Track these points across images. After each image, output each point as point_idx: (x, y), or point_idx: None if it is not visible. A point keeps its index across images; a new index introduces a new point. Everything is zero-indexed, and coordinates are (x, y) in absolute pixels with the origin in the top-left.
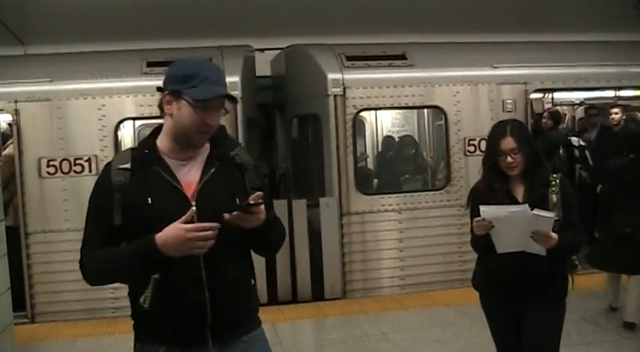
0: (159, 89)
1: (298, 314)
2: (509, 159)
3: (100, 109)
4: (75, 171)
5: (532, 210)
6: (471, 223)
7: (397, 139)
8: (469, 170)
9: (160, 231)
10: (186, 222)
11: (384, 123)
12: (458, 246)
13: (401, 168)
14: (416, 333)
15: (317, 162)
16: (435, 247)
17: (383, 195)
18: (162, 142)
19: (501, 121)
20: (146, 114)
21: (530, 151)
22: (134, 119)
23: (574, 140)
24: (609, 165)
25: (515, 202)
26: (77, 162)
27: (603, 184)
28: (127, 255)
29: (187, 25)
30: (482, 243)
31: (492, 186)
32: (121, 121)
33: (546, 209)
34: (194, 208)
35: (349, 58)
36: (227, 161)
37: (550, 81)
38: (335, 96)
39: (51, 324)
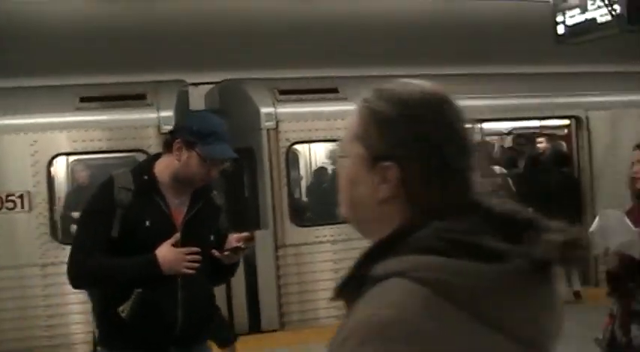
0: (171, 132)
1: (236, 347)
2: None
3: (32, 145)
4: (7, 208)
5: None
6: None
7: (330, 171)
8: None
9: (152, 250)
10: (172, 245)
11: (317, 155)
12: None
13: (335, 199)
14: None
15: (252, 196)
16: None
17: (317, 227)
18: (161, 174)
19: None
20: (80, 150)
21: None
22: (67, 154)
23: (496, 169)
24: (545, 181)
25: None
26: (9, 198)
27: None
28: (131, 267)
29: (121, 60)
30: None
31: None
32: (54, 157)
33: None
34: (178, 234)
35: (282, 92)
36: (208, 201)
37: (478, 112)
38: (268, 130)
39: None
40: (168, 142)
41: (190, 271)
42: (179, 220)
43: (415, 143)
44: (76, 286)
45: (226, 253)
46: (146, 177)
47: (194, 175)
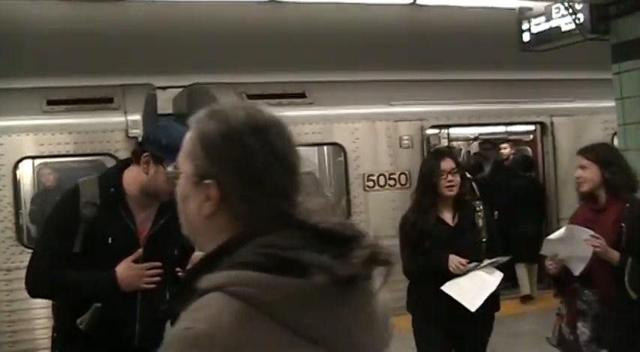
0: (140, 143)
1: None
2: (449, 177)
3: None
4: None
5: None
6: (404, 252)
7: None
8: (369, 205)
9: (114, 266)
10: (134, 261)
11: None
12: None
13: None
14: None
15: None
16: None
17: None
18: (129, 186)
19: (438, 148)
20: (46, 153)
21: (464, 175)
22: (34, 158)
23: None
24: (510, 186)
25: (445, 224)
26: None
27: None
28: (88, 283)
29: (89, 63)
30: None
31: (424, 212)
32: (20, 160)
33: (476, 231)
34: (141, 250)
35: (250, 97)
36: (174, 214)
37: (445, 117)
38: None
39: None
40: (137, 154)
41: (150, 286)
42: (144, 234)
43: (234, 163)
44: (32, 295)
45: (152, 280)
46: (113, 190)
47: (161, 190)
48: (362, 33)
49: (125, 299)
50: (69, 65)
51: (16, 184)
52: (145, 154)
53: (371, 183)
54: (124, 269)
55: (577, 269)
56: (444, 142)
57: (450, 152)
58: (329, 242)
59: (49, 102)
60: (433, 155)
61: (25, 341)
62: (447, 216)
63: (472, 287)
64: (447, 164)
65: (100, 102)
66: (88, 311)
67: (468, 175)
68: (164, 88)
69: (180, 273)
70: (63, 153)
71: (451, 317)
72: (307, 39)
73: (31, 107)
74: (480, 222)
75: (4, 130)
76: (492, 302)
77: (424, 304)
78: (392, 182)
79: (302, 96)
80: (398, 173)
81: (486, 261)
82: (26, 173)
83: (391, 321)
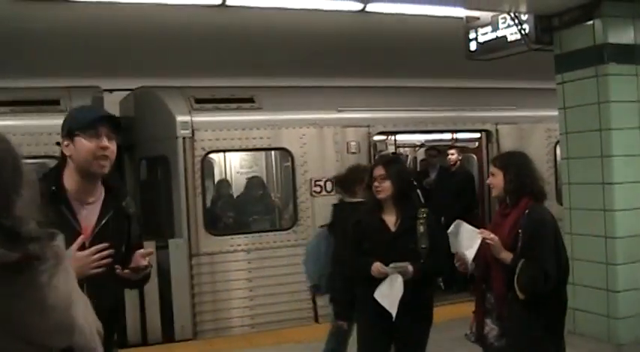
0: (58, 143)
1: None
2: (375, 183)
3: None
4: None
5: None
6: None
7: (245, 180)
8: (315, 210)
9: None
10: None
11: (233, 164)
12: (305, 284)
13: (249, 208)
14: None
15: (166, 204)
16: (283, 286)
17: (232, 236)
18: (67, 182)
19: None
20: None
21: (398, 182)
22: None
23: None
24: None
25: (386, 228)
26: None
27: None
28: None
29: (35, 65)
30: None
31: (369, 213)
32: None
33: (415, 238)
34: (82, 237)
35: (198, 101)
36: (119, 210)
37: (392, 124)
38: (184, 138)
39: None
40: (61, 151)
41: (98, 270)
42: (87, 231)
43: None
44: None
45: (126, 271)
46: (54, 188)
47: (87, 158)
48: (311, 39)
49: None
50: (15, 66)
51: None
52: (63, 142)
53: (318, 189)
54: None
55: (470, 256)
56: (391, 149)
57: (382, 160)
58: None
59: None
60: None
61: None
62: (390, 220)
63: (392, 292)
64: (377, 171)
65: (46, 104)
66: None
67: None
68: (111, 91)
69: (119, 273)
70: None
71: (387, 317)
72: (256, 44)
73: None
74: (421, 229)
75: None
76: (425, 307)
77: (364, 303)
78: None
79: (250, 101)
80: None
81: (391, 265)
82: None
83: (73, 312)
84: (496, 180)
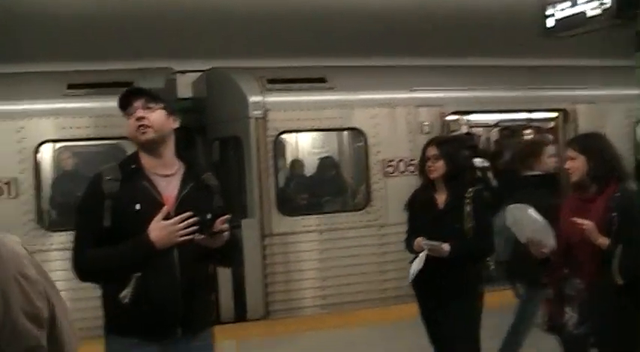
0: None
1: (221, 335)
2: (428, 163)
3: (18, 132)
4: None
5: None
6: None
7: (318, 160)
8: (388, 191)
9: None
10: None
11: (305, 144)
12: (378, 265)
13: (321, 189)
14: None
15: (238, 184)
16: (355, 267)
17: (304, 216)
18: (143, 160)
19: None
20: (67, 137)
21: (450, 162)
22: (54, 141)
23: (477, 161)
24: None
25: (435, 206)
26: None
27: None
28: (125, 251)
29: (109, 47)
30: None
31: (421, 193)
32: (41, 144)
33: (461, 218)
34: (166, 207)
35: (270, 81)
36: (199, 182)
37: (465, 103)
38: (256, 118)
39: None
40: None
41: (186, 238)
42: (170, 202)
43: None
44: (82, 280)
45: (202, 237)
46: (133, 166)
47: (131, 133)
48: (383, 18)
49: (162, 263)
50: (89, 49)
51: (36, 168)
52: None
53: (390, 169)
54: (155, 228)
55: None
56: (464, 129)
57: (437, 140)
58: None
59: (70, 86)
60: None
61: None
62: (440, 198)
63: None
64: (429, 151)
65: (120, 85)
66: (129, 284)
67: (485, 165)
68: (183, 72)
69: (196, 239)
70: (83, 136)
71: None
72: (328, 23)
73: (52, 91)
74: (468, 208)
75: (25, 114)
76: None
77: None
78: (411, 168)
79: (322, 80)
80: (417, 159)
81: (424, 242)
82: (46, 157)
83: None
84: (576, 164)
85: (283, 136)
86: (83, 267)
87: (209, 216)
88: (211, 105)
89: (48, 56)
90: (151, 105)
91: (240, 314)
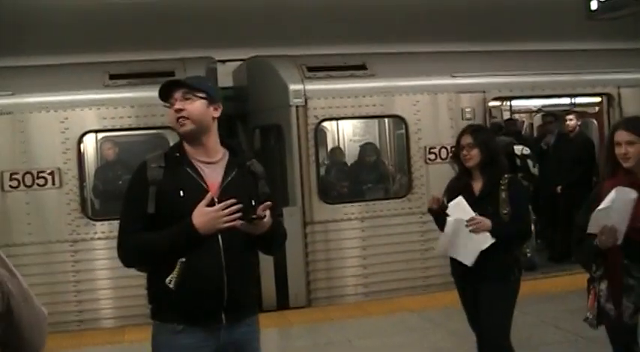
0: None
1: (263, 323)
2: (464, 152)
3: (62, 122)
4: (38, 185)
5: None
6: None
7: (359, 148)
8: (430, 178)
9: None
10: (208, 205)
11: (345, 132)
12: (420, 253)
13: (362, 176)
14: (380, 339)
15: (280, 173)
16: (397, 254)
17: (345, 204)
18: (187, 148)
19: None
20: (109, 127)
21: (485, 150)
22: (97, 132)
23: (517, 149)
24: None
25: (471, 192)
26: (40, 175)
27: None
28: (169, 236)
29: (150, 37)
30: None
31: (458, 178)
32: (84, 134)
33: (496, 204)
34: (211, 194)
35: (310, 69)
36: (244, 169)
37: (508, 89)
38: (297, 106)
39: None
40: None
41: (229, 224)
42: (214, 188)
43: None
44: (127, 266)
45: (242, 222)
46: (177, 154)
47: (172, 123)
48: (424, 4)
49: (208, 248)
50: (130, 39)
51: (80, 157)
52: None
53: (432, 156)
54: (199, 214)
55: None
56: (506, 115)
57: (472, 128)
58: None
59: (112, 77)
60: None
61: (89, 310)
62: (476, 185)
63: (466, 245)
64: (465, 140)
65: (161, 75)
66: (175, 269)
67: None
68: (224, 61)
69: (237, 223)
70: (125, 126)
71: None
72: (368, 10)
73: (94, 81)
74: (503, 195)
75: (68, 105)
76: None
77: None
78: None
79: (363, 68)
80: None
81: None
82: (90, 147)
83: None
84: (635, 149)
85: (324, 124)
86: (127, 253)
87: (253, 203)
88: (252, 94)
89: (90, 47)
90: (189, 96)
91: (283, 303)
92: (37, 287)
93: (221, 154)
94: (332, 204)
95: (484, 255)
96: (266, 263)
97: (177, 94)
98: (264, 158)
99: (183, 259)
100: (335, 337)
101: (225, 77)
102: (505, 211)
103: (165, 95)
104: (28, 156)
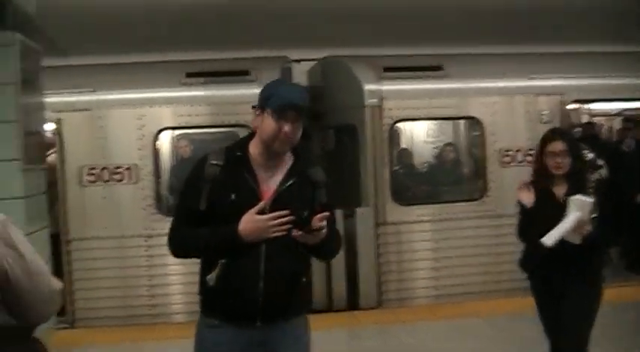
0: (254, 107)
1: (333, 323)
2: (557, 159)
3: (139, 119)
4: (115, 180)
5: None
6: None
7: (433, 149)
8: (505, 181)
9: (238, 221)
10: (259, 213)
11: (420, 133)
12: (493, 257)
13: (436, 178)
14: (450, 344)
15: (353, 173)
16: (470, 258)
17: (419, 205)
18: (253, 148)
19: (553, 128)
20: (184, 124)
21: (577, 157)
22: (173, 129)
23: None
24: None
25: (554, 199)
26: (117, 170)
27: None
28: (212, 236)
29: (225, 37)
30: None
31: (536, 183)
32: (160, 131)
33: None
34: (264, 202)
35: (386, 69)
36: (303, 176)
37: (586, 91)
38: (372, 107)
39: (90, 330)
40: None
41: (277, 234)
42: (268, 195)
43: None
44: (174, 256)
45: (299, 233)
46: (239, 154)
47: (269, 135)
48: (500, 4)
49: (249, 254)
50: (206, 39)
51: (156, 154)
52: (255, 111)
53: (508, 159)
54: (247, 221)
55: None
56: (585, 118)
57: (562, 133)
58: None
59: (188, 75)
60: (546, 135)
61: (162, 305)
62: (559, 188)
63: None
64: (557, 146)
65: (237, 74)
66: (215, 268)
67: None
68: (299, 61)
69: (294, 233)
70: (200, 124)
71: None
72: (444, 10)
73: (171, 80)
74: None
75: (145, 102)
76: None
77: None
78: (530, 158)
79: (438, 68)
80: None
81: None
82: (165, 144)
83: None
84: None
85: (398, 125)
86: (175, 246)
87: (305, 214)
88: (327, 94)
89: (168, 46)
90: (300, 119)
91: (354, 303)
92: (110, 280)
93: (285, 159)
94: (405, 205)
95: (571, 259)
96: (337, 262)
97: (293, 116)
98: (338, 158)
99: (224, 260)
100: (405, 339)
101: (300, 77)
102: (593, 216)
103: (279, 107)
104: (105, 152)
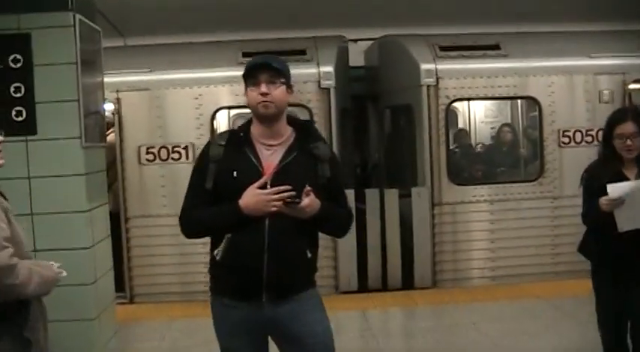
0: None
1: (388, 302)
2: (628, 142)
3: (196, 99)
4: (172, 159)
5: None
6: (583, 201)
7: (491, 129)
8: (563, 162)
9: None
10: (259, 188)
11: (476, 113)
12: (550, 239)
13: (493, 158)
14: (506, 324)
15: (409, 153)
16: (526, 239)
17: (475, 186)
18: (254, 129)
19: (622, 108)
20: (241, 104)
21: None
22: (229, 108)
23: None
24: None
25: (626, 180)
26: (175, 149)
27: None
28: (217, 214)
29: (282, 16)
30: (603, 220)
31: (605, 165)
32: (217, 110)
33: None
34: (266, 177)
35: (442, 49)
36: (305, 151)
37: None
38: (428, 86)
39: (148, 305)
40: None
41: (276, 209)
42: (269, 171)
43: None
44: (185, 236)
45: (278, 203)
46: (242, 134)
47: (253, 104)
48: None
49: (253, 228)
50: (263, 18)
51: (213, 133)
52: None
53: (566, 140)
54: (248, 196)
55: None
56: None
57: (633, 114)
58: None
59: (245, 55)
60: (615, 115)
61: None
62: (630, 172)
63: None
64: (627, 128)
65: (294, 54)
66: (222, 243)
67: None
68: (356, 41)
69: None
70: None
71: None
72: None
73: (228, 59)
74: None
75: (202, 82)
76: None
77: (600, 252)
78: (589, 139)
79: (496, 48)
80: (596, 129)
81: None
82: (222, 123)
83: None
84: None
85: (455, 105)
86: (183, 226)
87: (307, 188)
88: (383, 74)
89: (224, 26)
90: (274, 80)
91: (408, 283)
92: (168, 257)
93: (286, 136)
94: (461, 186)
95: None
96: (393, 242)
97: (263, 77)
98: (394, 138)
99: (229, 235)
100: (460, 319)
101: (356, 56)
102: None
103: (250, 75)
104: (163, 131)
